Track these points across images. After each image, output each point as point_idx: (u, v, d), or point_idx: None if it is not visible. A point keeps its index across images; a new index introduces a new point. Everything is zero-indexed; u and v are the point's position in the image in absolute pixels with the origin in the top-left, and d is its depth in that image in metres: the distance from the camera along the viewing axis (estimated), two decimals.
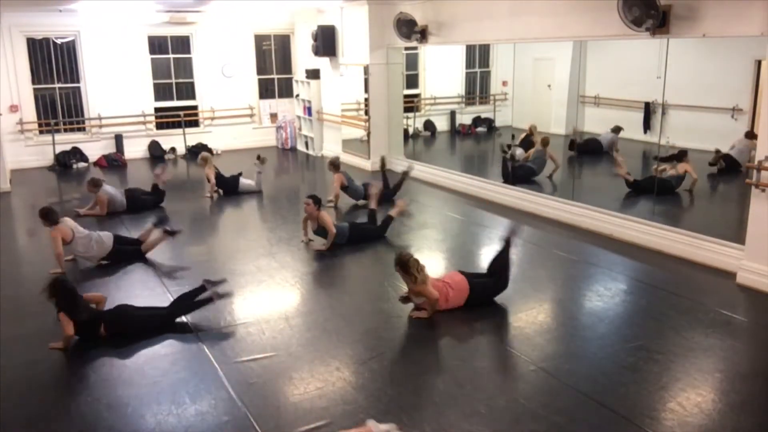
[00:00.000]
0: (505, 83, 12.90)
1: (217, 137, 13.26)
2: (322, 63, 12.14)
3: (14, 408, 3.96)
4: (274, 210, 9.05)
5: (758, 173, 5.45)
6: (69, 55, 12.03)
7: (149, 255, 6.68)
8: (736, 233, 6.00)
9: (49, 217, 6.29)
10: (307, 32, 12.37)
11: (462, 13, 8.95)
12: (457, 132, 13.64)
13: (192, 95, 13.20)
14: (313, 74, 12.47)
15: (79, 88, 12.17)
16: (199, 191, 9.76)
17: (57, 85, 12.01)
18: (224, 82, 13.19)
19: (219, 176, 9.43)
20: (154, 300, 5.58)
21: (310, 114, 12.86)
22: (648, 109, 9.73)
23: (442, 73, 13.30)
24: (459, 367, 4.40)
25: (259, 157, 9.70)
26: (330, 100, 12.23)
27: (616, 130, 10.02)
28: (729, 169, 8.92)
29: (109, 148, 12.35)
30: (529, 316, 5.20)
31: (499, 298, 5.63)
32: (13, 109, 11.53)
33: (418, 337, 5.03)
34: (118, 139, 12.37)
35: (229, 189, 9.46)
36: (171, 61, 12.94)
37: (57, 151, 11.86)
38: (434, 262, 6.43)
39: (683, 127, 9.33)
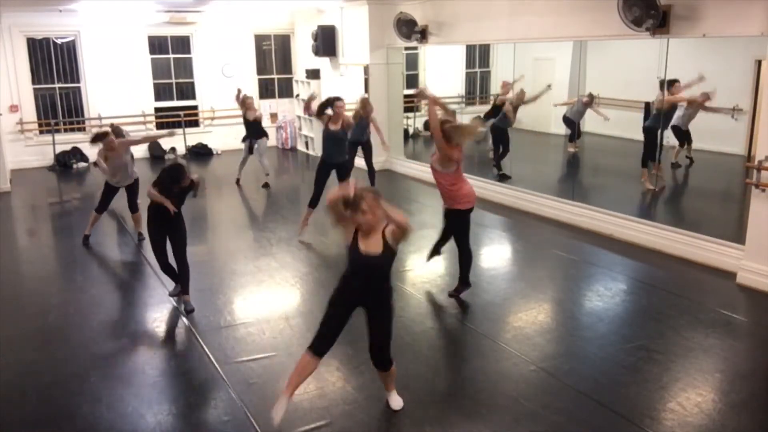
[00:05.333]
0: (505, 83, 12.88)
1: (217, 137, 13.25)
2: (322, 63, 12.14)
3: (14, 408, 3.96)
4: (274, 210, 9.05)
5: (758, 173, 5.45)
6: (69, 55, 12.02)
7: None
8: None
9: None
10: (307, 32, 12.36)
11: (462, 13, 8.95)
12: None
13: (192, 95, 13.20)
14: (313, 74, 12.46)
15: (79, 88, 12.16)
16: (198, 191, 9.75)
17: (57, 85, 12.01)
18: (224, 82, 13.18)
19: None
20: (153, 298, 5.60)
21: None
22: (648, 109, 9.71)
23: (442, 73, 13.30)
24: (459, 367, 4.40)
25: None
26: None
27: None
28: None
29: None
30: (529, 316, 5.20)
31: (500, 298, 5.63)
32: (13, 109, 11.53)
33: (418, 337, 5.04)
34: None
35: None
36: (171, 61, 12.94)
37: (57, 151, 11.86)
38: (434, 262, 6.43)
39: None
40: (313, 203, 7.23)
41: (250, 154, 10.13)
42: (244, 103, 9.92)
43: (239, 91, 10.19)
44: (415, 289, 5.83)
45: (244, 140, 10.17)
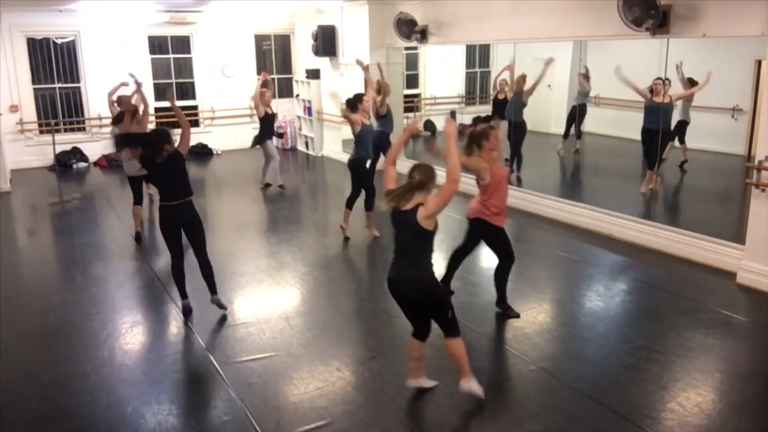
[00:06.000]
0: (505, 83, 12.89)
1: (217, 137, 13.25)
2: (322, 63, 12.14)
3: (14, 408, 3.96)
4: (274, 210, 9.04)
5: (758, 173, 5.45)
6: (69, 55, 12.03)
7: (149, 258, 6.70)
8: None
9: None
10: (307, 32, 12.37)
11: (462, 13, 8.95)
12: (457, 132, 13.60)
13: (192, 95, 13.20)
14: (313, 74, 12.47)
15: (79, 88, 12.17)
16: (198, 191, 9.75)
17: (57, 85, 12.02)
18: (224, 82, 13.19)
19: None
20: (153, 298, 5.60)
21: (310, 114, 12.86)
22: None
23: (442, 73, 13.30)
24: None
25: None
26: (330, 100, 12.22)
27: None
28: None
29: (109, 148, 12.30)
30: (529, 316, 5.20)
31: None
32: (13, 109, 11.53)
33: None
34: None
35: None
36: (171, 61, 12.94)
37: (57, 151, 11.86)
38: (434, 262, 6.43)
39: None
40: (350, 204, 7.19)
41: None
42: (263, 95, 9.55)
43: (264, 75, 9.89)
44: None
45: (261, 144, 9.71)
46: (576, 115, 10.38)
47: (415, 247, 3.77)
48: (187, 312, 5.21)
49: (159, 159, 4.99)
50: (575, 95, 10.31)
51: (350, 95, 7.24)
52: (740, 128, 9.09)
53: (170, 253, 5.15)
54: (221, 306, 5.26)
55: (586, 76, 10.05)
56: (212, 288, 5.26)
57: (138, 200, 7.34)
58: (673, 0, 5.95)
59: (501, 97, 10.08)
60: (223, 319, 5.17)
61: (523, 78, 9.33)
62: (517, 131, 9.28)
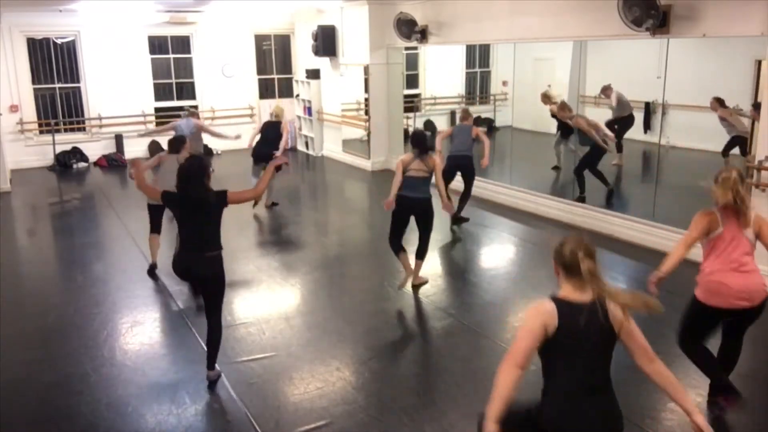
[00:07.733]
0: (505, 83, 12.89)
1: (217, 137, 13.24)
2: (322, 63, 12.14)
3: (14, 408, 3.96)
4: (274, 210, 9.04)
5: (758, 173, 5.45)
6: (69, 55, 12.02)
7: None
8: None
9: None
10: (307, 32, 12.37)
11: (462, 13, 8.95)
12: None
13: (192, 95, 13.20)
14: (313, 74, 12.47)
15: (79, 88, 12.16)
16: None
17: (57, 85, 12.01)
18: (224, 82, 13.19)
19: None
20: (153, 298, 5.61)
21: (310, 114, 12.86)
22: (648, 109, 9.73)
23: (442, 73, 13.30)
24: (459, 367, 4.40)
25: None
26: (330, 100, 12.23)
27: None
28: None
29: (109, 148, 12.35)
30: None
31: (500, 298, 5.64)
32: (13, 109, 11.53)
33: (419, 337, 5.04)
34: (119, 139, 12.36)
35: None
36: (171, 61, 12.94)
37: (57, 151, 11.86)
38: (434, 263, 6.44)
39: (683, 127, 9.34)
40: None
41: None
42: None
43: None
44: (415, 289, 5.83)
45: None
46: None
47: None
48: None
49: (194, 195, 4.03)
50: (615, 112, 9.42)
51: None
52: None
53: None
54: (213, 381, 4.16)
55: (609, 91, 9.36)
56: (211, 361, 4.16)
57: (156, 228, 6.18)
58: (673, 0, 5.95)
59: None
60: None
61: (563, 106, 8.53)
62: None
